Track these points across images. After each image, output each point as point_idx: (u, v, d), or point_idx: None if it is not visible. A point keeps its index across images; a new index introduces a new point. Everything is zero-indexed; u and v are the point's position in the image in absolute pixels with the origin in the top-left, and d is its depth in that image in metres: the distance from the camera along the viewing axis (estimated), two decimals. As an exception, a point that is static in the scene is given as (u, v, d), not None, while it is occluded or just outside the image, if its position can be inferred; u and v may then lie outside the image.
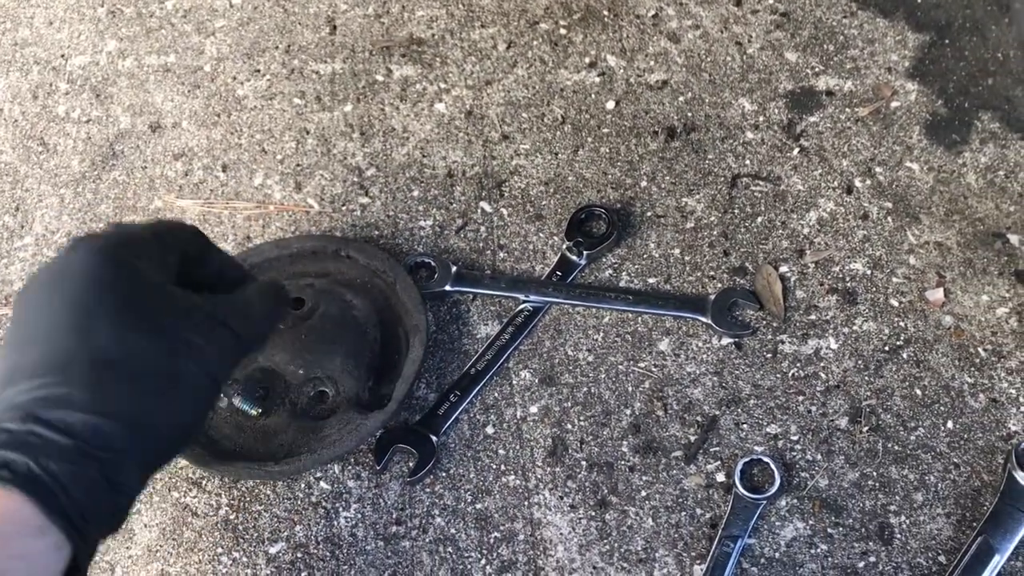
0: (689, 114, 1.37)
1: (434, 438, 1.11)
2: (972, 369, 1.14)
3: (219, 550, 1.07)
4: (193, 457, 1.08)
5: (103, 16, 1.53)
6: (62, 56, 1.48)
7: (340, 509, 1.09)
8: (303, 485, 1.10)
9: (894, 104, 1.36)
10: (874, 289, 1.21)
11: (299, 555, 1.06)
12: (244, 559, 1.06)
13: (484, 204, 1.31)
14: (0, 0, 1.55)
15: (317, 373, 1.13)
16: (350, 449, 1.08)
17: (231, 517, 1.09)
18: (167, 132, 1.39)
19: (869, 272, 1.22)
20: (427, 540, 1.06)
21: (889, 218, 1.26)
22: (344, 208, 1.32)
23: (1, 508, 0.67)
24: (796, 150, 1.33)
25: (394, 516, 1.08)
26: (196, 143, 1.38)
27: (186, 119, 1.40)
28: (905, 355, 1.16)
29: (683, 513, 1.07)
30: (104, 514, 0.72)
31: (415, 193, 1.32)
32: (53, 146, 1.39)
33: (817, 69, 1.41)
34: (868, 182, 1.30)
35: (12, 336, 0.78)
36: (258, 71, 1.45)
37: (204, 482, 1.11)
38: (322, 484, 1.10)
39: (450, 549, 1.06)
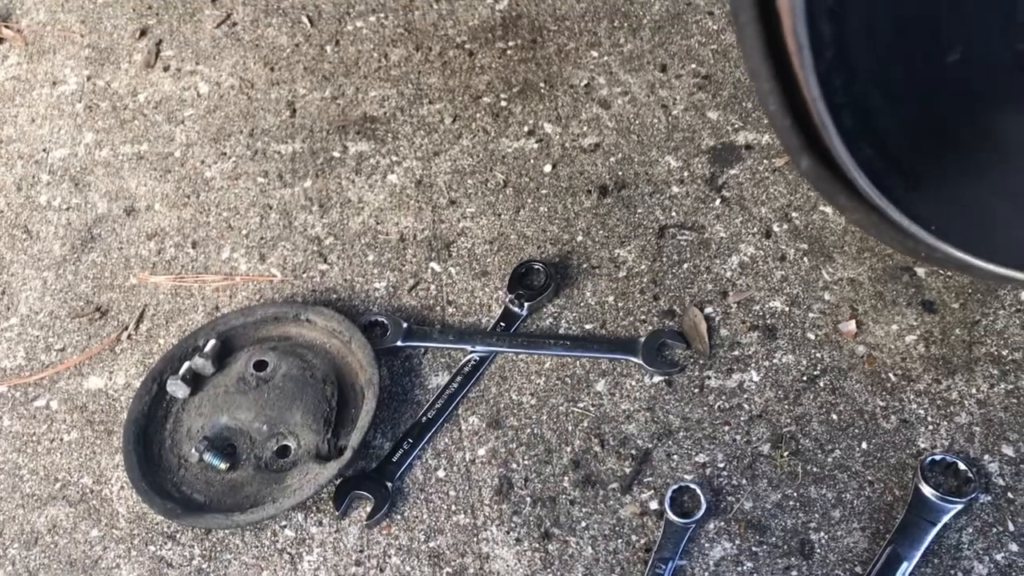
0: (620, 172, 1.49)
1: (389, 484, 1.20)
2: (884, 393, 1.24)
3: (192, 597, 1.15)
4: (166, 511, 1.17)
5: (81, 111, 1.65)
6: (43, 150, 1.61)
7: (304, 554, 1.17)
8: (269, 533, 1.19)
9: (809, 154, 1.48)
10: (792, 324, 1.31)
11: (266, 598, 1.14)
12: (215, 604, 1.14)
13: (434, 264, 1.42)
14: (-14, 102, 1.68)
15: (280, 429, 1.22)
16: (309, 496, 1.17)
17: (204, 566, 1.17)
18: (141, 215, 1.51)
19: (787, 309, 1.32)
20: (384, 578, 1.15)
21: (805, 258, 1.37)
22: (305, 275, 1.42)
23: None
24: (718, 200, 1.44)
25: (354, 558, 1.16)
26: (168, 223, 1.49)
27: (158, 202, 1.52)
28: (822, 383, 1.25)
29: (620, 540, 1.15)
30: None
31: (370, 257, 1.43)
32: (36, 233, 1.50)
33: (737, 125, 1.53)
34: (785, 226, 1.40)
35: None
36: (224, 154, 1.57)
37: (178, 535, 1.19)
38: (287, 531, 1.19)
39: (406, 585, 1.14)
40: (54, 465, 1.26)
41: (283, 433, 1.22)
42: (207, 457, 1.20)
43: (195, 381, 1.28)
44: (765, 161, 1.48)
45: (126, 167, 1.57)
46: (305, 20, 1.75)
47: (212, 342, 1.30)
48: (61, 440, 1.28)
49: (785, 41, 0.68)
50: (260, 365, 1.27)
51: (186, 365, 1.28)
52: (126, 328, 1.38)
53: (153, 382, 1.29)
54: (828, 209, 1.42)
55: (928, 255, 0.86)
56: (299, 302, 1.38)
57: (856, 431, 1.21)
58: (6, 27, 1.78)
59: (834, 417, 1.22)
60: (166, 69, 1.70)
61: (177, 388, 1.27)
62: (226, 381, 1.27)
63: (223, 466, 1.20)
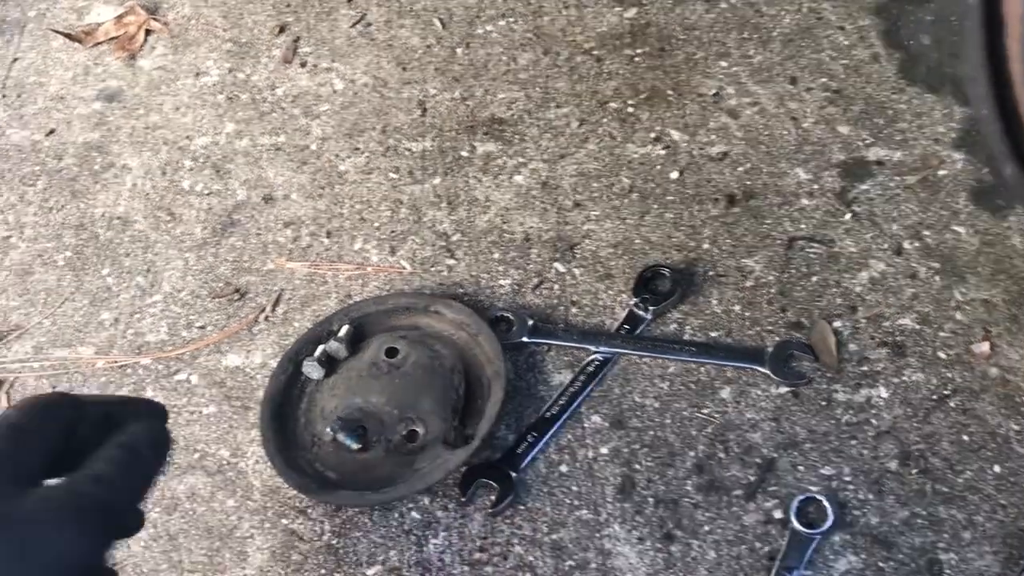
0: (748, 183, 1.49)
1: (513, 474, 1.23)
2: (1018, 417, 1.22)
3: (323, 571, 1.19)
4: (300, 486, 1.22)
5: (222, 102, 1.73)
6: (187, 137, 1.69)
7: (429, 536, 1.20)
8: (396, 515, 1.22)
9: (941, 172, 1.46)
10: (923, 343, 1.29)
11: (393, 577, 1.18)
12: (344, 580, 1.18)
13: (558, 264, 1.44)
14: (136, 91, 1.77)
15: (409, 414, 1.26)
16: (439, 480, 1.21)
17: (333, 542, 1.21)
18: (278, 203, 1.57)
19: (918, 327, 1.31)
20: (508, 566, 1.17)
21: (937, 277, 1.35)
22: (432, 269, 1.46)
23: None
24: (848, 215, 1.44)
25: (478, 544, 1.19)
26: (304, 213, 1.55)
27: (295, 192, 1.58)
28: (952, 404, 1.24)
29: (743, 546, 1.16)
30: None
31: (495, 255, 1.47)
32: (179, 215, 1.57)
33: (868, 141, 1.52)
34: (916, 244, 1.39)
35: None
36: (358, 149, 1.63)
37: (309, 510, 1.24)
38: (413, 514, 1.22)
39: (528, 575, 1.16)
40: (193, 436, 1.32)
41: (412, 418, 1.26)
42: (340, 436, 1.24)
43: (329, 364, 1.33)
44: (897, 178, 1.47)
45: (264, 157, 1.64)
46: (437, 22, 1.79)
47: (346, 327, 1.35)
48: (200, 413, 1.35)
49: (1007, 47, 0.69)
50: (391, 352, 1.31)
51: (321, 348, 1.33)
52: (263, 310, 1.44)
53: (289, 362, 1.34)
54: (961, 229, 1.40)
55: None
56: (428, 294, 1.42)
57: (988, 454, 1.19)
58: (154, 19, 1.87)
59: (965, 438, 1.21)
60: (303, 65, 1.76)
61: (312, 369, 1.32)
62: (359, 366, 1.32)
63: (356, 446, 1.24)
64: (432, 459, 1.23)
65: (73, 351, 1.43)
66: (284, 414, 1.31)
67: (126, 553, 1.23)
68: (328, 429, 1.25)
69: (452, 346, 1.35)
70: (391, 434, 1.26)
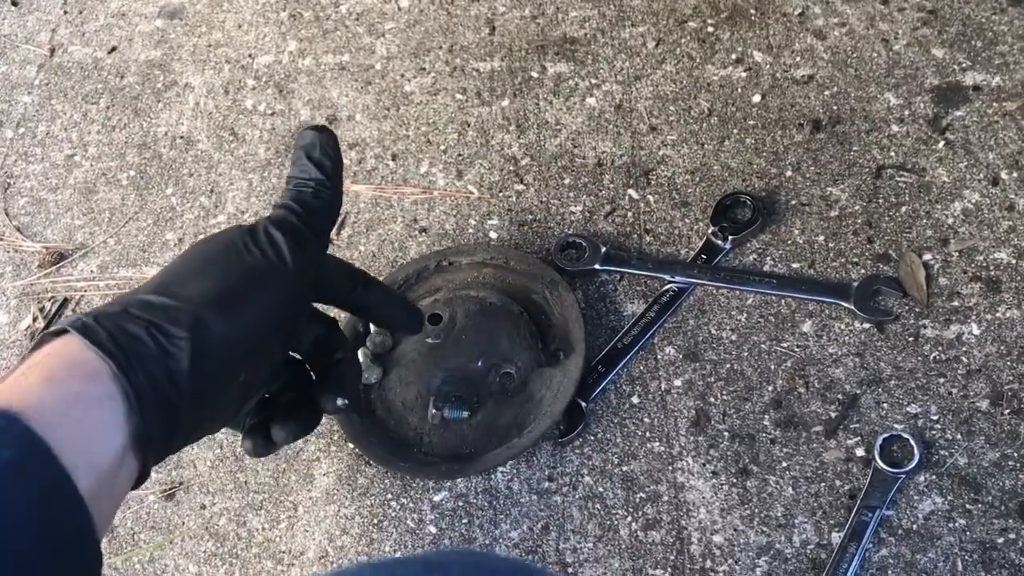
0: (834, 107, 1.41)
1: (583, 404, 1.19)
2: (1121, 359, 1.15)
3: (388, 496, 1.18)
4: (442, 475, 1.17)
5: (285, 19, 1.68)
6: (249, 56, 1.65)
7: (497, 466, 1.18)
8: (464, 442, 1.20)
9: (1045, 99, 1.37)
10: (1019, 278, 1.22)
11: (460, 503, 1.16)
12: (411, 505, 1.17)
13: (631, 191, 1.39)
14: (197, 7, 1.73)
15: (494, 360, 1.21)
16: (572, 392, 1.17)
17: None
18: (343, 124, 1.53)
19: (1014, 261, 1.24)
20: (577, 496, 1.15)
21: (1037, 210, 1.28)
22: (501, 194, 1.42)
23: (58, 349, 0.69)
24: (941, 143, 1.35)
25: (546, 473, 1.17)
26: (368, 134, 1.51)
27: (359, 112, 1.54)
28: (1051, 343, 1.17)
29: (822, 484, 1.12)
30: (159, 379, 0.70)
31: (566, 181, 1.41)
32: (242, 136, 1.54)
33: (964, 65, 1.43)
34: (1015, 174, 1.31)
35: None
36: (424, 69, 1.58)
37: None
38: (481, 442, 1.20)
39: (598, 505, 1.14)
40: (259, 358, 1.31)
41: (498, 363, 1.21)
42: (447, 413, 1.18)
43: (381, 361, 1.24)
44: (995, 104, 1.38)
45: (328, 76, 1.59)
46: (506, -63, 1.72)
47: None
48: (265, 335, 1.33)
49: None
50: (435, 319, 1.23)
51: (362, 352, 1.24)
52: (328, 233, 1.41)
53: None
54: (1065, 159, 1.31)
55: None
56: (433, 252, 1.34)
57: (1088, 396, 1.13)
58: (215, -66, 1.81)
59: (1063, 379, 1.15)
60: (367, -19, 1.71)
61: (371, 374, 1.24)
62: (412, 347, 1.24)
63: (466, 414, 1.18)
64: (545, 382, 1.19)
65: (138, 271, 1.42)
66: (367, 428, 1.22)
67: (192, 472, 1.23)
68: (432, 410, 1.18)
69: (485, 286, 1.29)
70: (490, 386, 1.20)
